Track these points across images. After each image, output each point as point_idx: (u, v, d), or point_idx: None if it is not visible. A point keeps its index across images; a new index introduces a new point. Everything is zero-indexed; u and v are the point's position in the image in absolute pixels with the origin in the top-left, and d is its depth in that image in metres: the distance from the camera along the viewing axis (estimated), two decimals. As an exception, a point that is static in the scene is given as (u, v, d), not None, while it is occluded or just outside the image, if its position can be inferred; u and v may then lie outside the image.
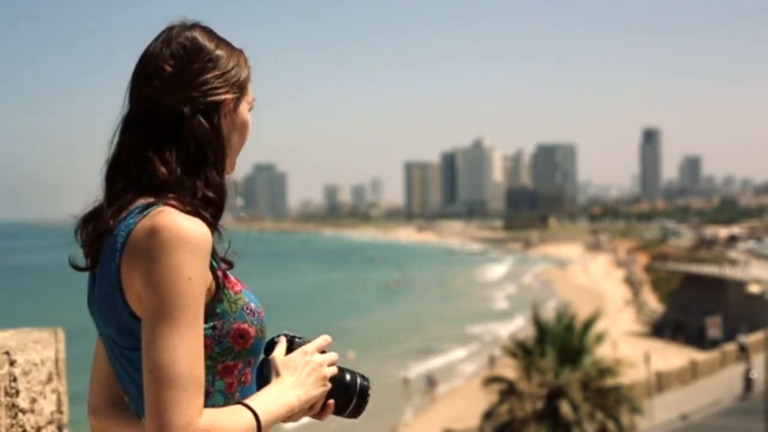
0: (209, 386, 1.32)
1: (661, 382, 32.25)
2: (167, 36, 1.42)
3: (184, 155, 1.36)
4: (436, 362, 43.68)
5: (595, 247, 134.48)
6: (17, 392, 2.15)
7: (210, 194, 1.36)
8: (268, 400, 1.35)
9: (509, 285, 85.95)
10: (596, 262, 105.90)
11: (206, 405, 1.28)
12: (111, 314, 1.34)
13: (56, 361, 2.36)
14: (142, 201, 1.34)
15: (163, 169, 1.34)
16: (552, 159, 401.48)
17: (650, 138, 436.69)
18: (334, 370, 1.47)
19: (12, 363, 2.13)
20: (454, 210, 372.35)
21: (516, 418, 20.90)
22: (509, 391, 21.53)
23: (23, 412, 2.16)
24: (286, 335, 1.50)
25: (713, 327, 42.93)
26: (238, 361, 1.36)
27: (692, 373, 34.45)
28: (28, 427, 2.18)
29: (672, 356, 40.34)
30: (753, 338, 38.17)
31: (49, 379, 2.31)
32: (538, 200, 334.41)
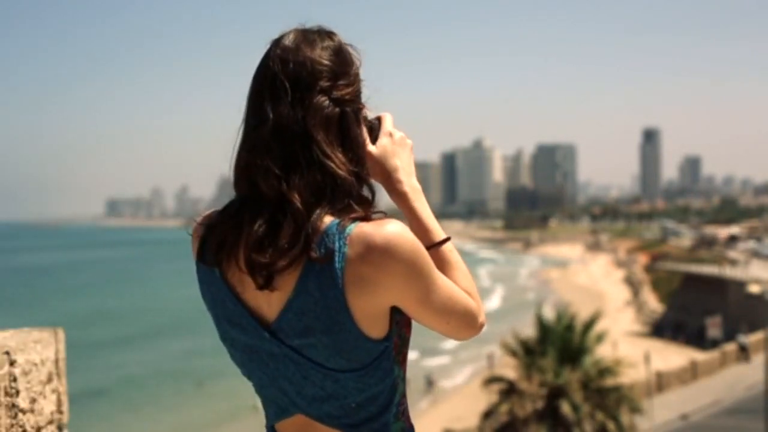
0: (398, 378, 1.42)
1: (661, 382, 32.26)
2: (315, 38, 1.43)
3: (350, 157, 1.40)
4: (435, 362, 43.67)
5: (595, 247, 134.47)
6: (17, 392, 2.14)
7: (366, 195, 1.42)
8: (428, 213, 1.53)
9: (512, 285, 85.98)
10: (596, 262, 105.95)
11: (394, 394, 1.42)
12: (327, 338, 1.33)
13: (56, 361, 2.36)
14: (330, 218, 1.33)
15: (343, 168, 1.36)
16: (552, 159, 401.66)
17: (650, 138, 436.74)
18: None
19: (12, 363, 2.13)
20: (454, 210, 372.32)
21: (516, 417, 20.88)
22: (509, 390, 21.52)
23: (23, 412, 2.16)
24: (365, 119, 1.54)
25: (713, 327, 42.93)
26: (408, 349, 1.46)
27: (692, 373, 34.45)
28: (28, 427, 2.18)
29: (672, 356, 40.34)
30: (753, 338, 38.19)
31: (49, 379, 2.30)
32: (538, 200, 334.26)
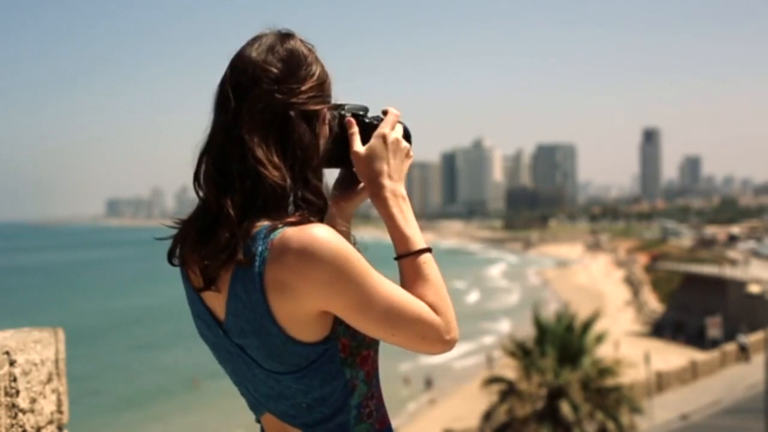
0: (354, 379, 1.41)
1: (661, 382, 32.27)
2: (266, 42, 1.43)
3: (292, 160, 1.38)
4: (435, 361, 43.61)
5: (595, 247, 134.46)
6: (17, 392, 2.14)
7: (314, 199, 1.40)
8: (407, 221, 1.46)
9: (514, 285, 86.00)
10: (596, 262, 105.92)
11: (352, 396, 1.41)
12: (257, 340, 1.35)
13: (56, 361, 2.36)
14: (262, 223, 1.34)
15: (275, 173, 1.35)
16: (552, 159, 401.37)
17: (650, 138, 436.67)
18: (399, 131, 1.53)
19: (12, 363, 2.13)
20: (454, 210, 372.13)
21: (516, 418, 20.87)
22: (509, 391, 21.51)
23: (23, 412, 2.16)
24: (355, 116, 1.51)
25: (713, 327, 42.93)
26: (370, 350, 1.43)
27: (692, 373, 34.46)
28: (28, 427, 2.18)
29: (672, 356, 40.35)
30: (753, 338, 38.20)
31: (49, 379, 2.30)
32: (538, 200, 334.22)
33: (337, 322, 1.37)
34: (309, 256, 1.28)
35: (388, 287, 1.35)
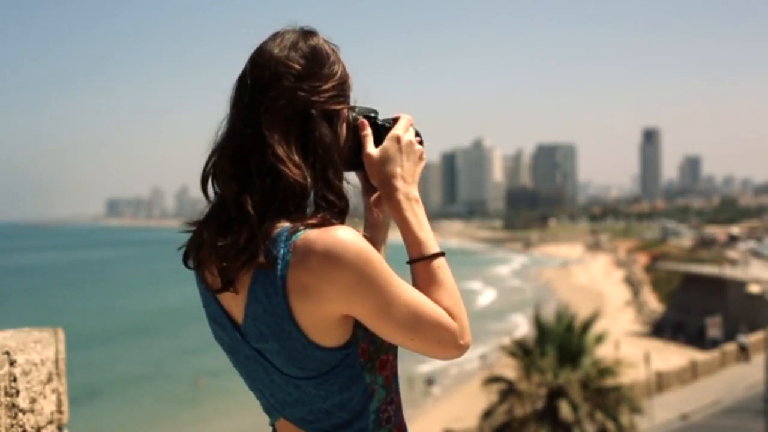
0: (373, 384, 1.39)
1: (661, 382, 32.26)
2: (289, 39, 1.41)
3: (313, 159, 1.36)
4: (444, 362, 43.58)
5: (595, 247, 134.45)
6: (17, 392, 2.14)
7: (335, 200, 1.37)
8: (421, 224, 1.45)
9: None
10: (596, 262, 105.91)
11: (371, 401, 1.39)
12: (278, 345, 1.33)
13: (56, 361, 2.36)
14: (282, 225, 1.32)
15: (296, 171, 1.32)
16: (552, 159, 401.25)
17: (650, 138, 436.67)
18: (412, 134, 1.52)
19: (12, 363, 2.13)
20: (454, 210, 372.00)
21: (515, 418, 20.86)
22: (509, 391, 21.50)
23: (23, 412, 2.16)
24: (367, 118, 1.50)
25: (713, 327, 42.94)
26: (389, 354, 1.42)
27: (692, 373, 34.45)
28: (28, 427, 2.18)
29: (672, 356, 40.35)
30: (753, 338, 38.20)
31: (49, 379, 2.30)
32: (538, 200, 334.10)
33: (357, 327, 1.35)
34: (333, 259, 1.26)
35: (409, 291, 1.34)
